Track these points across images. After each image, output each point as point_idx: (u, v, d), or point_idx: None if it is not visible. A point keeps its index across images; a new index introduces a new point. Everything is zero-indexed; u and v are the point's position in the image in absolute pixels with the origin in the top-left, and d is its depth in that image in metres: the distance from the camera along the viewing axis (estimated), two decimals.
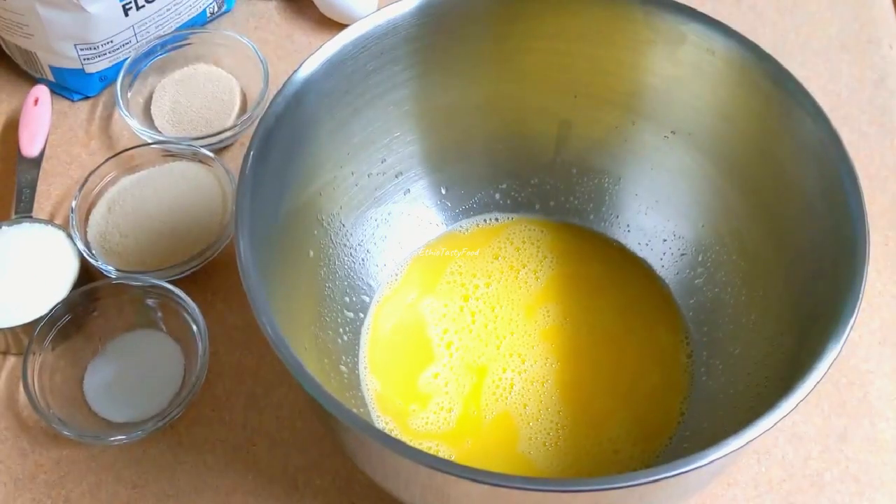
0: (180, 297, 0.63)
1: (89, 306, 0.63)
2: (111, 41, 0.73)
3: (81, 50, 0.72)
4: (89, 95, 0.76)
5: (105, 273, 0.64)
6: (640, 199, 0.64)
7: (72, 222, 0.65)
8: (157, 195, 0.68)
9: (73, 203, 0.66)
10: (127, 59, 0.74)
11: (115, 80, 0.74)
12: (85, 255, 0.65)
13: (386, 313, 0.62)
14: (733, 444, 0.42)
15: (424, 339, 0.61)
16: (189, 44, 0.76)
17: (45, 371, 0.61)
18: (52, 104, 0.74)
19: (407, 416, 0.59)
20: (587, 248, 0.65)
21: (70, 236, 0.66)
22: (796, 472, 0.60)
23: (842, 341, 0.45)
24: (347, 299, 0.61)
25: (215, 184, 0.69)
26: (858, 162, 0.51)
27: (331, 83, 0.55)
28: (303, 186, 0.56)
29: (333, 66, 0.54)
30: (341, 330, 0.60)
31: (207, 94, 0.75)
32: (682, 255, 0.63)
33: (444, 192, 0.65)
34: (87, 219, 0.67)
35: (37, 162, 0.71)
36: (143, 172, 0.69)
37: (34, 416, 0.62)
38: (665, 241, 0.63)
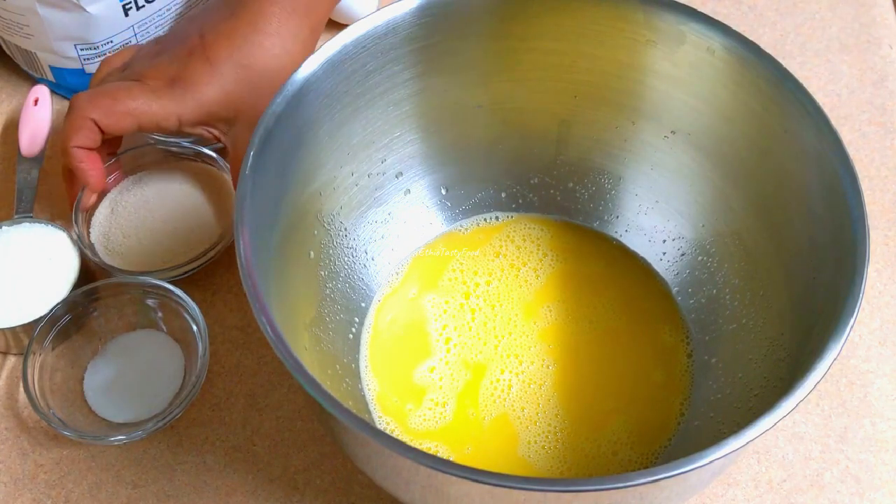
0: (180, 298, 0.63)
1: (89, 306, 0.63)
2: (111, 41, 0.73)
3: (81, 50, 0.72)
4: None
5: (108, 271, 0.64)
6: (640, 199, 0.64)
7: (75, 222, 0.65)
8: (160, 196, 0.68)
9: (76, 203, 0.66)
10: None
11: None
12: (88, 255, 0.65)
13: (386, 312, 0.62)
14: (733, 444, 0.42)
15: (423, 334, 0.61)
16: None
17: (45, 371, 0.61)
18: (52, 104, 0.74)
19: (406, 415, 0.59)
20: (588, 247, 0.65)
21: (70, 236, 0.66)
22: (796, 472, 0.60)
23: (842, 341, 0.45)
24: (348, 299, 0.61)
25: (217, 184, 0.69)
26: (858, 162, 0.51)
27: (331, 83, 0.55)
28: (303, 186, 0.56)
29: (333, 66, 0.54)
30: (342, 330, 0.60)
31: None
32: (682, 255, 0.63)
33: (444, 192, 0.65)
34: (89, 219, 0.67)
35: (37, 162, 0.71)
36: (146, 173, 0.69)
37: (34, 416, 0.62)
38: (665, 241, 0.63)
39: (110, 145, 0.66)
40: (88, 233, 0.67)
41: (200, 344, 0.62)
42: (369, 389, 0.60)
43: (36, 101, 0.73)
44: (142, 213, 0.67)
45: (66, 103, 0.76)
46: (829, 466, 0.61)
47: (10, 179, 0.72)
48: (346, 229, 0.61)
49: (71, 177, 0.66)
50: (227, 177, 0.68)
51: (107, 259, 0.66)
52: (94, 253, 0.65)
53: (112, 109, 0.61)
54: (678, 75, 0.58)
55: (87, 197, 0.66)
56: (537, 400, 0.59)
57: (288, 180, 0.54)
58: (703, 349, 0.60)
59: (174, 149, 0.70)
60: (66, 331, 0.63)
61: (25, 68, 0.76)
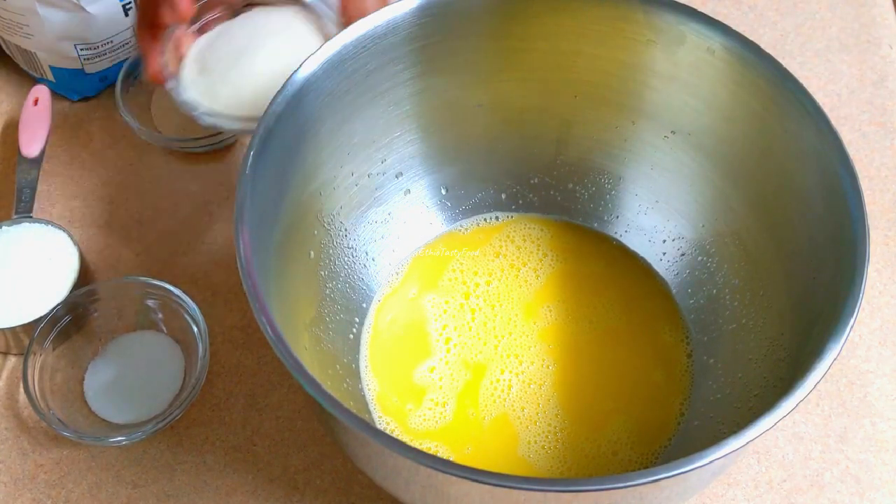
0: (180, 298, 0.63)
1: (89, 307, 0.63)
2: (111, 41, 0.73)
3: (81, 50, 0.72)
4: (89, 95, 0.76)
5: (215, 127, 0.60)
6: (640, 199, 0.64)
7: (171, 88, 0.60)
8: (252, 42, 0.62)
9: (164, 58, 0.60)
10: (127, 59, 0.74)
11: (115, 80, 0.74)
12: (196, 118, 0.59)
13: (386, 312, 0.62)
14: (733, 444, 0.42)
15: (423, 334, 0.61)
16: None
17: (45, 371, 0.61)
18: (52, 104, 0.74)
19: (406, 415, 0.59)
20: (588, 247, 0.65)
21: (70, 236, 0.66)
22: (796, 472, 0.60)
23: (842, 341, 0.45)
24: (348, 299, 0.61)
25: (314, 24, 0.62)
26: (858, 162, 0.51)
27: (331, 83, 0.55)
28: (303, 186, 0.56)
29: (333, 66, 0.54)
30: (342, 330, 0.60)
31: None
32: (682, 255, 0.63)
33: (444, 192, 0.65)
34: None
35: (37, 162, 0.71)
36: (226, 23, 0.62)
37: (34, 416, 0.62)
38: (665, 241, 0.63)
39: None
40: (181, 93, 0.60)
41: (200, 345, 0.62)
42: (369, 389, 0.60)
43: (36, 101, 0.73)
44: (236, 61, 0.61)
45: (66, 103, 0.76)
46: (829, 466, 0.61)
47: (10, 179, 0.72)
48: (346, 229, 0.61)
49: (147, 36, 0.58)
50: (327, 17, 0.61)
51: (215, 110, 0.60)
52: (196, 111, 0.59)
53: None
54: (678, 75, 0.58)
55: (174, 59, 0.60)
56: (537, 400, 0.59)
57: (288, 180, 0.54)
58: (702, 349, 0.60)
59: None
60: (66, 331, 0.63)
61: (25, 68, 0.76)
